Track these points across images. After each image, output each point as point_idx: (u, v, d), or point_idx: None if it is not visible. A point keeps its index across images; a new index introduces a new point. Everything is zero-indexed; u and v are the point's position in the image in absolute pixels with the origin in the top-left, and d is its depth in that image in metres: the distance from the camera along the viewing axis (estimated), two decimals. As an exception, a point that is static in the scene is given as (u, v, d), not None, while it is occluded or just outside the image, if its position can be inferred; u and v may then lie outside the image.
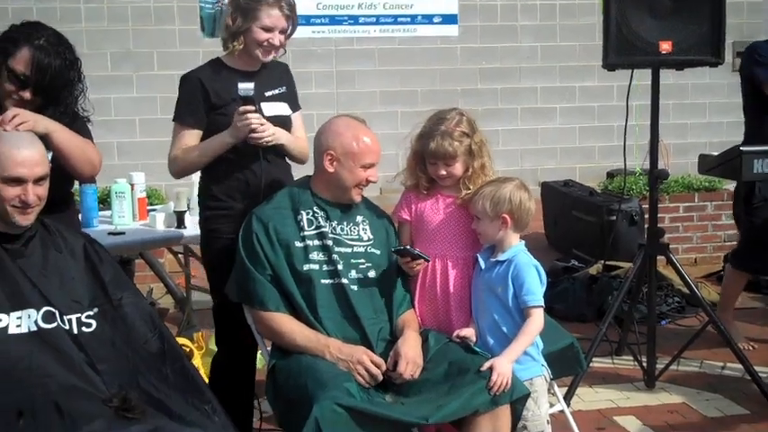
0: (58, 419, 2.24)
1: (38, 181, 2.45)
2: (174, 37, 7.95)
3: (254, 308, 2.86)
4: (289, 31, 3.15)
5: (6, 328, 2.36)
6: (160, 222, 3.85)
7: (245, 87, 2.95)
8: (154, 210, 4.02)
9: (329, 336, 2.79)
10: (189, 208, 3.91)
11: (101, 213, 4.00)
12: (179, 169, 3.17)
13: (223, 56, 3.19)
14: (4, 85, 2.74)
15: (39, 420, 2.23)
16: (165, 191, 6.19)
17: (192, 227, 3.85)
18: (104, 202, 4.38)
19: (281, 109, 3.19)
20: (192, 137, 3.10)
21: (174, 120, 3.15)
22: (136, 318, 2.55)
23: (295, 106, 3.30)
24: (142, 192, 3.99)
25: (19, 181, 2.42)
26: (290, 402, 2.66)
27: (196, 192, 4.09)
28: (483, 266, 2.95)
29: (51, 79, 2.73)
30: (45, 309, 2.42)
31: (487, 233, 2.94)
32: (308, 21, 8.24)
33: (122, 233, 3.68)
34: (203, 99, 3.08)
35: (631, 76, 3.87)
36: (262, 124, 2.97)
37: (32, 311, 2.40)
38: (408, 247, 2.94)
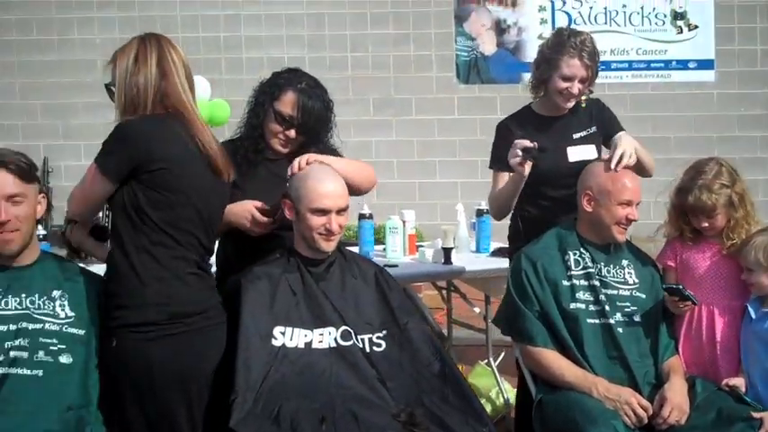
0: (355, 427, 2.48)
1: (340, 212, 2.73)
2: (431, 84, 8.35)
3: (523, 343, 2.99)
4: (589, 80, 3.30)
5: (311, 342, 2.66)
6: (429, 257, 4.11)
7: (522, 144, 3.09)
8: (422, 246, 4.28)
9: (596, 375, 2.88)
10: (455, 245, 4.14)
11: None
12: (495, 209, 3.44)
13: (533, 103, 3.44)
14: (270, 125, 2.92)
15: (338, 426, 2.48)
16: (421, 229, 6.50)
17: (457, 263, 4.08)
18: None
19: (586, 153, 3.33)
20: (504, 179, 3.32)
21: (489, 167, 3.43)
22: (420, 342, 2.76)
23: (616, 130, 3.35)
24: (412, 228, 4.27)
25: (324, 211, 2.70)
26: (559, 435, 2.78)
27: (460, 231, 4.34)
28: (753, 316, 2.92)
29: (315, 120, 2.91)
30: (343, 328, 2.70)
31: (763, 284, 2.91)
32: (559, 67, 8.37)
33: (395, 266, 3.96)
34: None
35: None
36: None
37: (332, 329, 2.69)
38: (681, 286, 2.96)
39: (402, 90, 8.39)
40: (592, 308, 2.95)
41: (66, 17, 8.37)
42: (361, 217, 4.10)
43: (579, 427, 2.63)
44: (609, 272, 3.03)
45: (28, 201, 2.51)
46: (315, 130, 2.93)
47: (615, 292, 3.01)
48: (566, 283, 2.98)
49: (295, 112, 2.88)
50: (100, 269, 2.69)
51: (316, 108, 2.90)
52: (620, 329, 2.94)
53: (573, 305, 2.94)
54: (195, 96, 2.55)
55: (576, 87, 3.25)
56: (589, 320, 2.93)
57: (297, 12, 8.32)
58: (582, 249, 3.03)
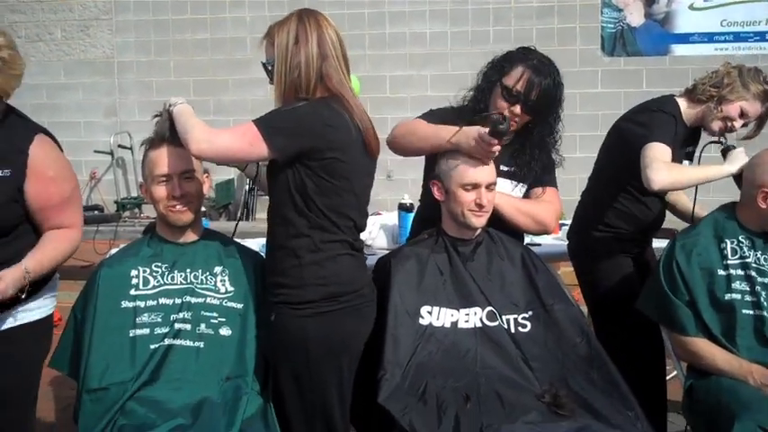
0: (499, 407, 2.50)
1: (489, 186, 2.74)
2: (574, 57, 8.20)
3: (675, 332, 2.93)
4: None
5: (457, 322, 2.70)
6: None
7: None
8: (565, 224, 4.16)
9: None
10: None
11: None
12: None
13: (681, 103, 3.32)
14: (497, 100, 2.86)
15: (483, 405, 2.50)
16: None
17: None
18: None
19: None
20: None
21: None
22: (566, 323, 2.75)
23: None
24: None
25: (475, 186, 2.72)
26: (709, 420, 2.72)
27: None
28: None
29: (542, 98, 2.81)
30: (488, 308, 2.73)
31: None
32: (710, 38, 8.05)
33: (539, 245, 3.91)
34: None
35: None
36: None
37: (478, 309, 2.73)
38: None
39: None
40: (748, 298, 2.85)
41: (217, -3, 8.73)
42: (402, 207, 3.87)
43: (732, 413, 2.56)
44: (767, 260, 2.92)
45: (197, 177, 2.66)
46: (541, 109, 2.85)
47: None
48: (722, 272, 2.89)
49: (522, 88, 2.81)
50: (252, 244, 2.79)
51: (543, 85, 2.81)
52: None
53: (728, 295, 2.86)
54: (350, 75, 2.56)
55: (739, 123, 3.24)
56: (744, 311, 2.84)
57: (439, -14, 8.37)
58: (741, 237, 2.94)
